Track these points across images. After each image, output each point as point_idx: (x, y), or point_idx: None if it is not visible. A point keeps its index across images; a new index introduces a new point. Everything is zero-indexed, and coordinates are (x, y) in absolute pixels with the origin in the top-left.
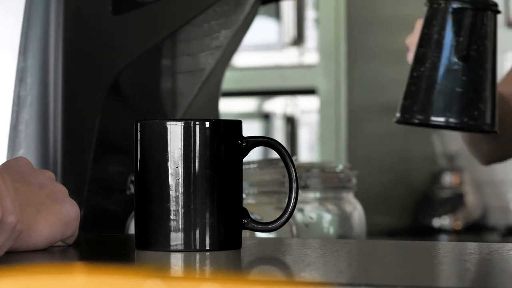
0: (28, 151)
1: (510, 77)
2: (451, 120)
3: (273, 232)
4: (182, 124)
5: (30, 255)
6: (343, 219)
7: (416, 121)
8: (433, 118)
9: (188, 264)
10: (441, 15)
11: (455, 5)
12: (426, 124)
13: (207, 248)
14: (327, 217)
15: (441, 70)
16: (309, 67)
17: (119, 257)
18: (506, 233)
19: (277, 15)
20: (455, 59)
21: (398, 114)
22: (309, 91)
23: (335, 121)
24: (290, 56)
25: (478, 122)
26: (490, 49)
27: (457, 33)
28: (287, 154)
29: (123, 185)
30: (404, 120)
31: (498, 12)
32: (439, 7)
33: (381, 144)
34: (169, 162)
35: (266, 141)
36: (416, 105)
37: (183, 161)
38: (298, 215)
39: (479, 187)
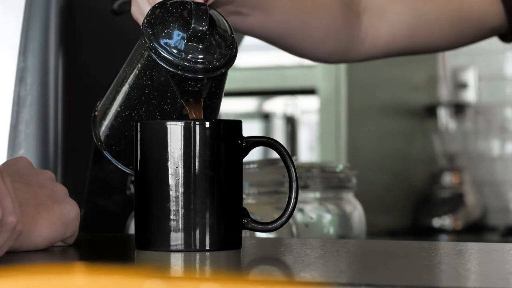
0: (28, 151)
1: None
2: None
3: (273, 232)
4: (182, 124)
5: (30, 255)
6: (343, 219)
7: (113, 161)
8: (120, 166)
9: (188, 264)
10: (148, 63)
11: (161, 60)
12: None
13: (207, 248)
14: (327, 217)
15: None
16: (309, 67)
17: (119, 257)
18: (506, 233)
19: None
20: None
21: (98, 141)
22: (309, 91)
23: (335, 121)
24: (290, 56)
25: None
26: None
27: (165, 97)
28: (287, 154)
29: (123, 185)
30: (102, 149)
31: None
32: (144, 50)
33: (381, 144)
34: (169, 162)
35: (266, 141)
36: (113, 143)
37: (183, 161)
38: (298, 215)
39: (479, 187)
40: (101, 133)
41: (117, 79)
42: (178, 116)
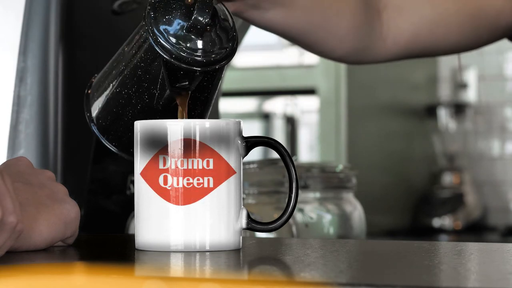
0: (28, 151)
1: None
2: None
3: (273, 232)
4: (182, 124)
5: (30, 255)
6: (343, 219)
7: (107, 145)
8: (119, 152)
9: (188, 264)
10: (145, 45)
11: (157, 45)
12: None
13: (207, 248)
14: (327, 217)
15: (135, 108)
16: (309, 67)
17: (119, 257)
18: (506, 233)
19: None
20: (152, 105)
21: (88, 112)
22: (309, 91)
23: (335, 121)
24: (290, 56)
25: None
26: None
27: (156, 81)
28: (287, 154)
29: (123, 185)
30: (92, 122)
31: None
32: (143, 32)
33: (381, 144)
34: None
35: (266, 141)
36: (100, 117)
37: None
38: (298, 215)
39: (479, 187)
40: (91, 106)
41: (116, 55)
42: (165, 103)
